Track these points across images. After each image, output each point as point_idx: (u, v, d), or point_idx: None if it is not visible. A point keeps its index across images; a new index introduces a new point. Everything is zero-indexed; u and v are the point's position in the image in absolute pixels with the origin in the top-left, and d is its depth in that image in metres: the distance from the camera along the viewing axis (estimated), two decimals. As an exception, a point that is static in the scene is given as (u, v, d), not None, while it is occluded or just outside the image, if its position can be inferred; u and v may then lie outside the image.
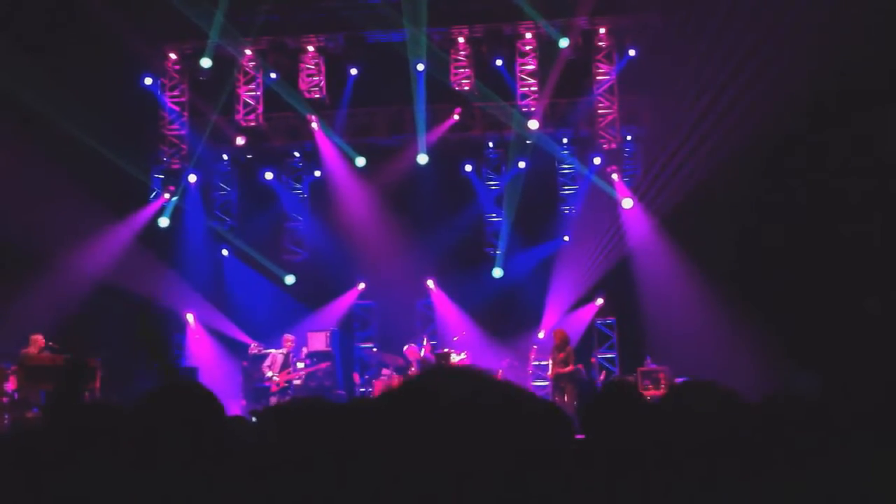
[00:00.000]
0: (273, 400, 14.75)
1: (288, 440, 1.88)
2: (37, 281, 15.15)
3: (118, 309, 15.43)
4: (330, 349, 16.44)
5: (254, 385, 15.58)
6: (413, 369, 15.29)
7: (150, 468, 2.15)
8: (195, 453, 2.16)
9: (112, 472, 2.20)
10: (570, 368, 14.12)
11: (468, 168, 18.46)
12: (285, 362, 15.35)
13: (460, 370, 1.45)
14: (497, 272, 17.97)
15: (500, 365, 15.63)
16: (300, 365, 15.87)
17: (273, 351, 15.59)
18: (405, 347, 15.69)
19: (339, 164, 18.33)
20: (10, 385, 12.35)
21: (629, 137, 17.98)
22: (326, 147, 18.32)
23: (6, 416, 12.03)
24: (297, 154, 18.98)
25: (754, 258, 14.80)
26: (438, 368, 1.52)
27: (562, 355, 14.26)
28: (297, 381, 15.65)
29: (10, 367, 12.41)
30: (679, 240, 16.36)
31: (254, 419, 4.41)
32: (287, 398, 14.89)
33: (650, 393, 13.78)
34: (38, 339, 12.89)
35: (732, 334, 14.28)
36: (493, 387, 1.41)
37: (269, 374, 15.22)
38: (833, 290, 13.57)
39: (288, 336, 15.67)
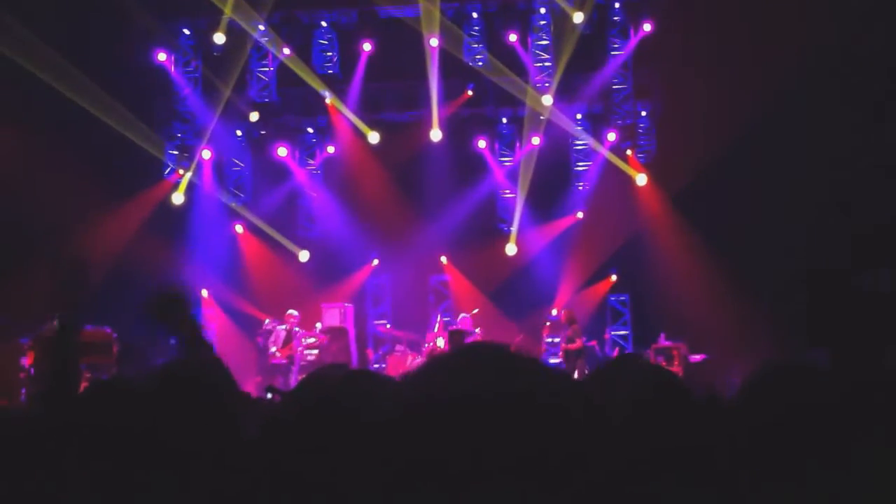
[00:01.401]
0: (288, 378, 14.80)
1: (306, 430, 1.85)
2: (52, 258, 15.19)
3: (133, 284, 15.49)
4: (344, 325, 16.48)
5: (268, 361, 15.64)
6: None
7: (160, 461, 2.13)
8: (206, 444, 2.14)
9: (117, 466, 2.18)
10: (577, 345, 14.42)
11: (481, 144, 18.36)
12: (287, 338, 15.38)
13: (490, 353, 1.40)
14: (510, 248, 17.95)
15: (512, 341, 15.67)
16: (313, 340, 15.92)
17: (277, 327, 15.60)
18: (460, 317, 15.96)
19: (353, 139, 18.29)
20: (27, 360, 12.45)
21: (644, 113, 17.85)
22: (340, 123, 18.29)
23: (23, 391, 12.13)
24: (310, 130, 18.94)
25: (768, 234, 14.74)
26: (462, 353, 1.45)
27: (569, 333, 14.65)
28: (310, 357, 15.71)
29: (27, 342, 12.50)
30: (693, 216, 16.30)
31: (269, 395, 4.42)
32: (290, 374, 15.01)
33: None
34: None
35: (746, 310, 14.25)
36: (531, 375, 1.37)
37: (273, 349, 15.29)
38: (846, 266, 13.52)
39: (291, 312, 15.64)
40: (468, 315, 15.97)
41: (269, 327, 15.93)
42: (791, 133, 14.62)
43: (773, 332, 13.20)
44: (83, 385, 3.20)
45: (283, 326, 15.46)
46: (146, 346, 13.38)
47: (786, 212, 14.60)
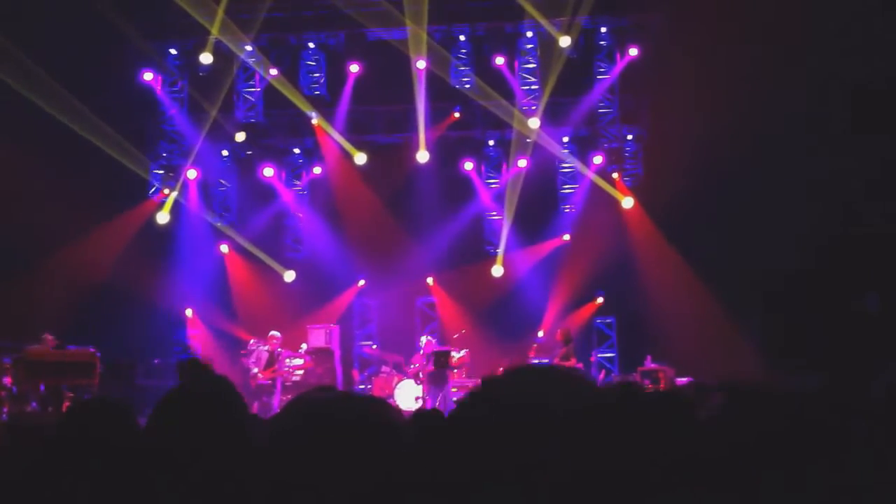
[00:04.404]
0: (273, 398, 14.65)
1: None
2: (37, 277, 15.12)
3: (117, 304, 15.46)
4: (329, 346, 16.38)
5: (250, 382, 15.48)
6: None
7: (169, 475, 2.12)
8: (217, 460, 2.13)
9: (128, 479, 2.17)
10: (571, 363, 14.40)
11: (468, 166, 18.39)
12: (270, 359, 15.19)
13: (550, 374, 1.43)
14: (497, 270, 17.95)
15: (500, 364, 15.64)
16: (298, 361, 15.81)
17: (258, 348, 15.38)
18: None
19: (339, 160, 18.29)
20: (8, 380, 12.33)
21: (630, 137, 17.94)
22: (326, 144, 18.29)
23: (4, 410, 12.00)
24: (297, 150, 18.92)
25: (754, 257, 14.79)
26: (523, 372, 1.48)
27: (563, 351, 14.60)
28: (295, 378, 15.61)
29: (7, 361, 12.39)
30: (679, 239, 16.34)
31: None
32: (273, 395, 14.83)
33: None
34: (49, 338, 12.85)
35: (734, 333, 14.27)
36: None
37: (255, 370, 15.02)
38: (834, 288, 13.57)
39: (273, 333, 15.42)
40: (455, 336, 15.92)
41: (253, 347, 15.80)
42: (778, 156, 14.70)
43: (759, 354, 13.22)
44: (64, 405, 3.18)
45: (266, 348, 15.25)
46: (130, 367, 13.32)
47: (773, 235, 14.64)
